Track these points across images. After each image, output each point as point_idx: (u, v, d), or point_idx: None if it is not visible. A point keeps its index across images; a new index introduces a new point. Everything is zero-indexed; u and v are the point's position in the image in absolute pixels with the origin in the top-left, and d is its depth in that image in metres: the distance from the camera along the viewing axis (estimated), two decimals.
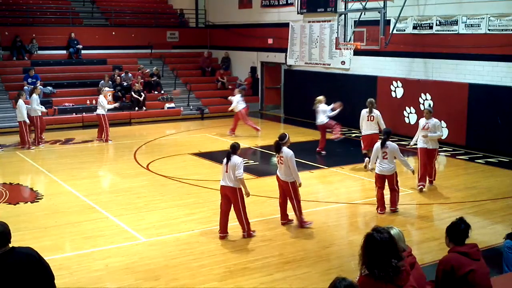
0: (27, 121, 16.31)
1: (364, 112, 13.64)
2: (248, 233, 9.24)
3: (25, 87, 20.70)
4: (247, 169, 14.07)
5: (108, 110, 18.00)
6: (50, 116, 20.15)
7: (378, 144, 10.44)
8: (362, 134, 13.77)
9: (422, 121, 12.31)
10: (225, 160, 9.17)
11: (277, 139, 9.71)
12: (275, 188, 12.16)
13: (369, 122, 13.51)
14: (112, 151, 17.13)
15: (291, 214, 9.92)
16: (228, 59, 26.40)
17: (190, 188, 12.31)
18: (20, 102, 16.31)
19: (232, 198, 9.11)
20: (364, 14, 17.86)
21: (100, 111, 17.61)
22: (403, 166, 10.95)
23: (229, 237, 9.26)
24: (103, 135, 17.59)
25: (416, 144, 12.42)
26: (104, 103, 17.73)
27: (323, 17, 21.13)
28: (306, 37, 22.04)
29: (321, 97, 15.81)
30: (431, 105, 16.39)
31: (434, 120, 12.13)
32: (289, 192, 9.62)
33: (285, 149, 9.53)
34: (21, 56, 22.73)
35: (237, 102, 18.76)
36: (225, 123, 21.39)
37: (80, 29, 24.56)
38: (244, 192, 9.13)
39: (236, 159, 9.05)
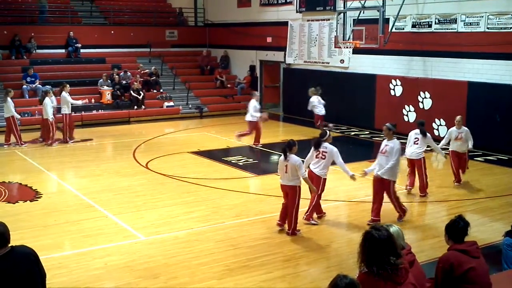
0: (50, 119, 16.57)
1: (316, 98, 17.85)
2: (292, 231, 9.26)
3: (24, 86, 20.71)
4: (246, 168, 14.11)
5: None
6: None
7: (413, 132, 11.58)
8: (319, 114, 17.92)
9: (384, 142, 10.05)
10: (282, 158, 9.23)
11: (318, 136, 10.03)
12: (274, 187, 12.20)
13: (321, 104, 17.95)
14: (111, 150, 17.12)
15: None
16: (227, 57, 26.39)
17: (189, 187, 12.31)
18: (47, 100, 16.60)
19: (291, 195, 9.21)
20: (363, 12, 17.89)
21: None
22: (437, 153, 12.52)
23: (227, 235, 9.27)
24: None
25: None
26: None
27: (322, 15, 21.13)
28: (305, 35, 22.03)
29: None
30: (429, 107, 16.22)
31: (395, 143, 9.74)
32: (317, 187, 9.74)
33: (329, 145, 9.82)
34: (20, 55, 22.69)
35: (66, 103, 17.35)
36: (224, 121, 21.41)
37: (79, 28, 24.53)
38: (310, 189, 9.48)
39: (294, 159, 9.09)
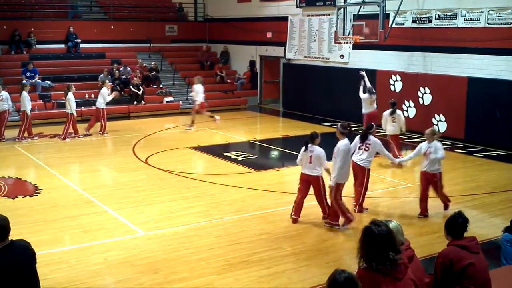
0: (75, 114, 17.14)
1: (200, 86, 18.82)
2: (327, 215, 9.56)
3: (24, 81, 20.66)
4: (245, 163, 14.11)
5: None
6: (49, 110, 20.14)
7: (387, 112, 13.78)
8: (202, 101, 18.91)
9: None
10: (303, 149, 9.41)
11: (365, 129, 10.54)
12: (274, 182, 12.27)
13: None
14: (111, 145, 17.12)
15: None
16: (227, 53, 26.35)
17: (188, 182, 12.31)
18: (70, 95, 17.00)
19: (316, 185, 9.48)
20: (363, 7, 17.82)
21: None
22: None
23: (227, 231, 9.27)
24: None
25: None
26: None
27: (322, 10, 21.10)
28: (305, 31, 21.99)
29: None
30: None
31: (340, 143, 9.31)
32: (362, 178, 10.17)
33: (373, 137, 10.25)
34: (20, 50, 22.65)
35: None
36: (224, 117, 21.38)
37: (79, 23, 24.49)
38: (329, 179, 9.48)
39: (319, 150, 9.32)
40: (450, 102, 16.70)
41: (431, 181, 10.00)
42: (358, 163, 10.16)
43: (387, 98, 18.43)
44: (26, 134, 16.84)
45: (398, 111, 14.04)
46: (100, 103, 17.66)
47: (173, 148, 15.81)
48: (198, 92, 18.86)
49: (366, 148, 10.14)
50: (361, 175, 10.16)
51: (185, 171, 13.14)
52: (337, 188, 9.34)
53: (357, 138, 10.26)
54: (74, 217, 9.90)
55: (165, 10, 28.00)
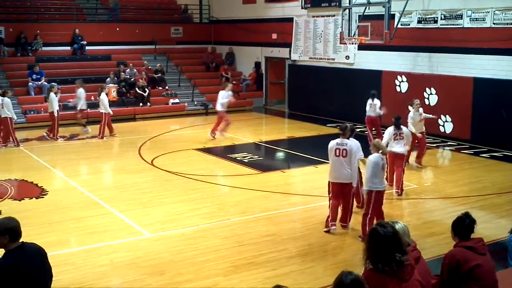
0: (111, 112, 17.55)
1: (83, 90, 18.39)
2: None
3: (30, 84, 20.76)
4: (251, 164, 14.10)
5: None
6: None
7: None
8: (84, 108, 18.48)
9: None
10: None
11: (395, 119, 11.24)
12: (280, 183, 12.24)
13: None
14: (117, 147, 17.14)
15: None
16: (232, 54, 26.38)
17: (194, 183, 12.32)
18: (103, 95, 17.44)
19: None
20: (369, 8, 17.81)
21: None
22: None
23: (233, 232, 9.28)
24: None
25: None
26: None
27: (327, 11, 21.09)
28: (310, 32, 21.99)
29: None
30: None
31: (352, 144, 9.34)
32: (401, 163, 11.15)
33: (404, 128, 11.30)
34: (26, 53, 22.75)
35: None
36: (230, 118, 21.37)
37: (84, 25, 24.57)
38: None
39: (354, 143, 9.29)
40: (456, 102, 16.65)
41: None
42: (398, 152, 11.04)
43: (393, 99, 18.54)
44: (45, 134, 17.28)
45: (376, 100, 15.58)
46: (222, 105, 17.48)
47: (179, 149, 15.82)
48: (80, 97, 18.44)
49: (401, 138, 11.14)
50: (400, 162, 11.07)
51: (191, 173, 13.15)
52: (328, 185, 9.46)
53: (391, 128, 11.14)
54: (80, 219, 9.93)
55: (170, 12, 28.05)
